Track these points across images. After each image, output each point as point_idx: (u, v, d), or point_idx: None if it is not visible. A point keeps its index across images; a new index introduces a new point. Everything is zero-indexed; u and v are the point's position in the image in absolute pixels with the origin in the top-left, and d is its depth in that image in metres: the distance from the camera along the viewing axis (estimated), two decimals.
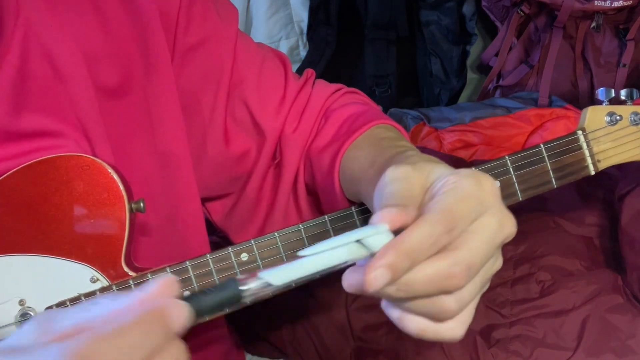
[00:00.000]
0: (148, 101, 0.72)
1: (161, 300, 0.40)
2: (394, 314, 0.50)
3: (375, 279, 0.45)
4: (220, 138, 0.79)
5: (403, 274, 0.45)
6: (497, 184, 0.57)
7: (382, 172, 0.58)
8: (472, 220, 0.48)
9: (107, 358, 0.36)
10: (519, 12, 1.71)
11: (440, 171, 0.51)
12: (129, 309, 0.39)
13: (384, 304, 0.50)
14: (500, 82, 1.76)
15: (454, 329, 0.49)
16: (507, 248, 1.14)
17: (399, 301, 0.48)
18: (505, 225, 0.49)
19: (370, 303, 1.18)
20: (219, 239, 0.98)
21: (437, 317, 0.48)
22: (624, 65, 1.64)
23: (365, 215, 0.68)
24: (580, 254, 1.22)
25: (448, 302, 0.47)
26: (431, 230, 0.46)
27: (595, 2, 1.61)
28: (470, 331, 1.10)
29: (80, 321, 0.39)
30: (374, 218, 0.47)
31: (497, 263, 0.50)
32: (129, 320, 0.38)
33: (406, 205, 0.48)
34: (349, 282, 0.46)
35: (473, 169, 0.57)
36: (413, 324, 0.49)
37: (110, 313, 0.39)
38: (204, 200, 0.83)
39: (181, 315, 0.40)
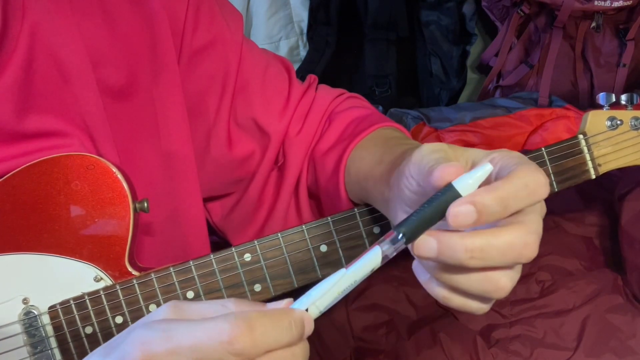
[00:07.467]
0: (154, 103, 0.72)
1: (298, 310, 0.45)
2: (439, 293, 0.48)
3: (460, 213, 0.43)
4: (223, 141, 0.79)
5: (491, 219, 0.43)
6: None
7: (391, 170, 0.58)
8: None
9: (268, 333, 0.41)
10: (519, 12, 1.71)
11: (475, 151, 0.51)
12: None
13: (426, 282, 0.49)
14: (500, 82, 1.76)
15: (487, 306, 0.49)
16: None
17: (458, 278, 0.46)
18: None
19: (370, 303, 1.18)
20: (218, 239, 0.98)
21: (489, 296, 0.47)
22: (624, 65, 1.64)
23: (370, 215, 0.67)
24: (580, 254, 1.23)
25: (504, 280, 0.46)
26: (526, 181, 0.44)
27: (595, 2, 1.61)
28: (470, 331, 1.11)
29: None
30: (433, 180, 0.45)
31: None
32: (279, 315, 0.43)
33: None
34: (424, 243, 0.45)
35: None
36: (460, 302, 0.48)
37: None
38: (205, 200, 0.83)
39: (312, 325, 0.44)
